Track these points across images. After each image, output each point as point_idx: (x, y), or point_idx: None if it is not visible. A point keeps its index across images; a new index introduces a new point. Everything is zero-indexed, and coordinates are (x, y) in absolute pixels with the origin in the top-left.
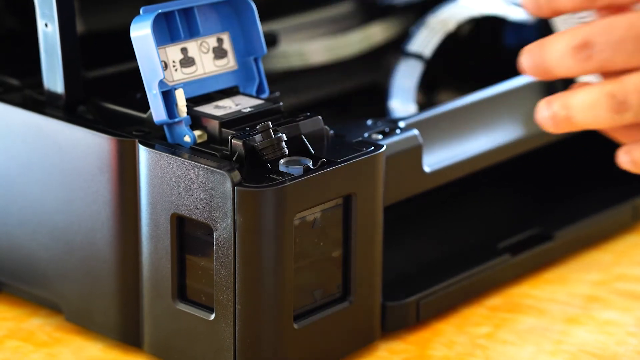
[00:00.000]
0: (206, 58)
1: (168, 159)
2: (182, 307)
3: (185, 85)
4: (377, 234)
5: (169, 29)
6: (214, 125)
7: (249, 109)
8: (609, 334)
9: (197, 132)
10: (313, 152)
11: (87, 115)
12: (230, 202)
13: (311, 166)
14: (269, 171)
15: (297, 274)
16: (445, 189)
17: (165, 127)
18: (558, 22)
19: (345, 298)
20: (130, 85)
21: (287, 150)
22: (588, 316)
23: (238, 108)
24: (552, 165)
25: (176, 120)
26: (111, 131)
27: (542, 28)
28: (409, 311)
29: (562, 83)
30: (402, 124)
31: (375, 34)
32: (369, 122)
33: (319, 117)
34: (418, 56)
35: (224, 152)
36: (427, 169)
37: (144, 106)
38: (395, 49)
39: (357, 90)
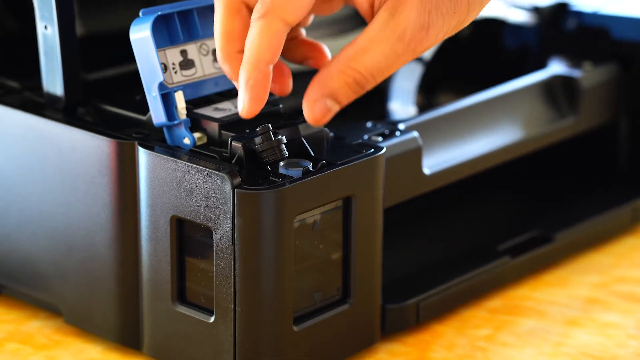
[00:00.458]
0: (206, 60)
1: (167, 161)
2: (182, 309)
3: (184, 88)
4: (377, 236)
5: (168, 32)
6: (214, 127)
7: None
8: (609, 336)
9: (196, 135)
10: (313, 155)
11: (87, 118)
12: (230, 205)
13: (311, 168)
14: (269, 173)
15: (297, 276)
16: (445, 191)
17: (164, 130)
18: None
19: (345, 300)
20: (130, 87)
21: (287, 153)
22: (588, 318)
23: (238, 110)
24: (552, 167)
25: (176, 122)
26: (111, 133)
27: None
28: (409, 313)
29: (562, 84)
30: (401, 126)
31: None
32: (369, 124)
33: None
34: (418, 58)
35: (224, 154)
36: (426, 171)
37: (144, 108)
38: None
39: None
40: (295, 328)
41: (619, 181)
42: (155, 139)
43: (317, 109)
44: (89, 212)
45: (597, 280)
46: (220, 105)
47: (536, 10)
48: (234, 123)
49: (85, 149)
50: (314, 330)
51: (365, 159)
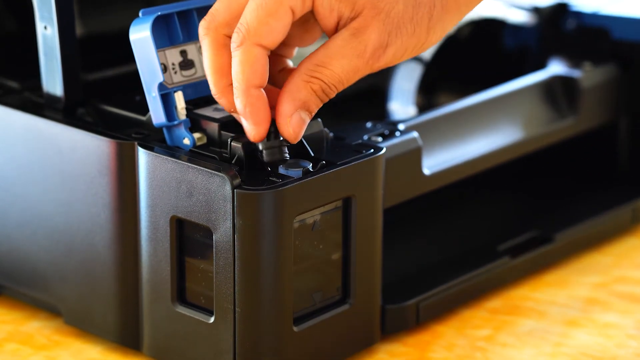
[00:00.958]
0: None
1: (167, 162)
2: (182, 309)
3: (184, 88)
4: (377, 236)
5: (168, 32)
6: (214, 127)
7: None
8: (608, 336)
9: (196, 135)
10: (313, 155)
11: (87, 118)
12: (229, 205)
13: (311, 169)
14: (269, 174)
15: (297, 277)
16: (445, 191)
17: (164, 130)
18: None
19: (345, 301)
20: (130, 87)
21: (287, 152)
22: (588, 319)
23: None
24: (552, 167)
25: (175, 122)
26: (110, 134)
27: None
28: (409, 314)
29: (562, 84)
30: (401, 127)
31: None
32: (369, 124)
33: (319, 119)
34: (418, 58)
35: (224, 154)
36: (426, 171)
37: (143, 109)
38: None
39: (356, 92)
40: (295, 328)
41: (619, 181)
42: (155, 139)
43: (294, 122)
44: (89, 212)
45: (597, 281)
46: (220, 106)
47: (536, 10)
48: (233, 123)
49: (85, 149)
50: (313, 330)
51: (365, 159)
